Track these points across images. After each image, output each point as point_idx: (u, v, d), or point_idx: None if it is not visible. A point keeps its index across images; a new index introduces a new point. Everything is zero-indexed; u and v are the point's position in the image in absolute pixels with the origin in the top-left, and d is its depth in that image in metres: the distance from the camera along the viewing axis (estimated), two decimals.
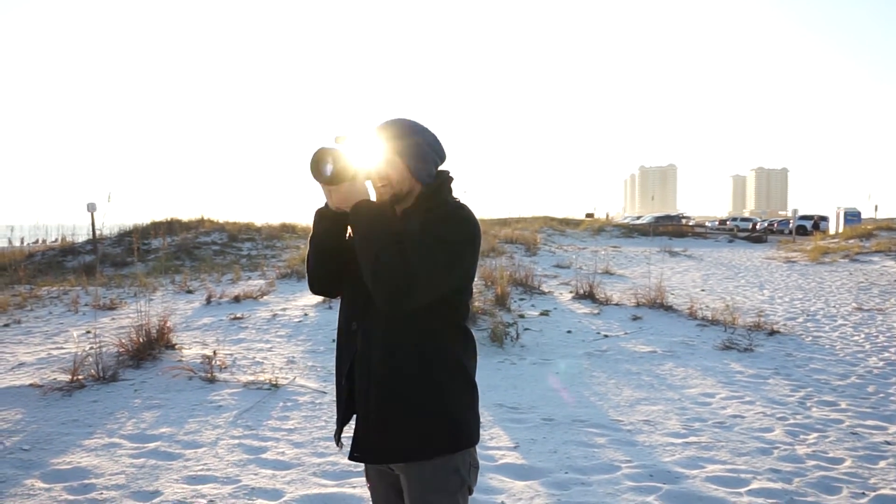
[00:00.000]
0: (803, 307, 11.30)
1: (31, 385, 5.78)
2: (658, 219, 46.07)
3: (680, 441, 4.75)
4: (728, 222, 60.98)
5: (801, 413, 5.43)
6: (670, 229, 37.44)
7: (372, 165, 1.99)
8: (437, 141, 2.10)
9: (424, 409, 1.95)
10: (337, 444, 2.14)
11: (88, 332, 8.19)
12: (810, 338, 8.50)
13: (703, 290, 13.61)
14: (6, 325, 8.93)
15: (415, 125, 2.06)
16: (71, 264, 17.64)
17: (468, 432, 2.03)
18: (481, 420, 4.94)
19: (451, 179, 2.11)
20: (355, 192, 1.93)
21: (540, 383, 6.29)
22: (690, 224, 47.89)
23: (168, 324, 7.08)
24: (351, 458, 2.01)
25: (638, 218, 54.33)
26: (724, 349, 7.62)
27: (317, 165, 1.88)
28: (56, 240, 25.56)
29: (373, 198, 2.02)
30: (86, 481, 3.93)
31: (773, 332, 8.49)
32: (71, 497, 3.72)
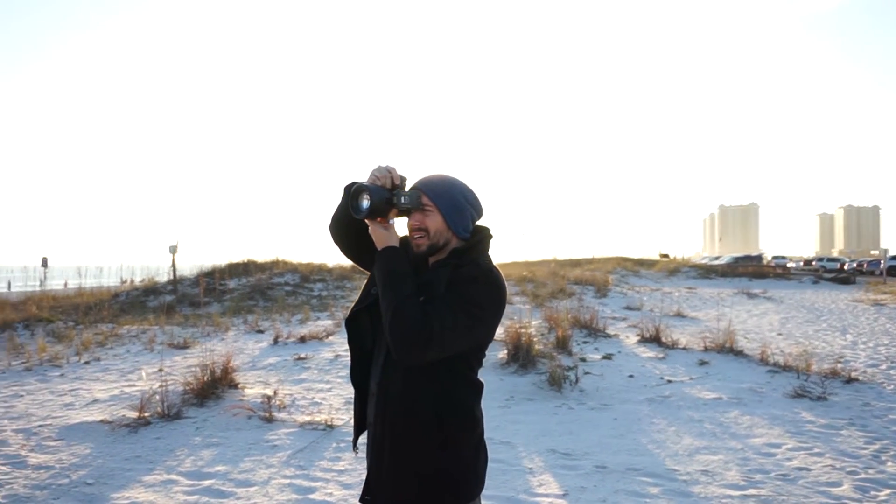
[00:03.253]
0: (888, 353, 10.68)
1: (101, 421, 6.06)
2: (737, 259, 44.68)
3: (738, 493, 4.56)
4: (814, 262, 58.47)
5: (875, 467, 5.12)
6: (750, 270, 36.28)
7: (410, 214, 2.07)
8: (476, 197, 2.16)
9: (438, 460, 2.00)
10: (354, 449, 2.30)
11: (160, 370, 8.53)
12: (892, 386, 8.02)
13: (779, 334, 13.08)
14: (86, 363, 9.38)
15: (454, 180, 2.13)
16: (152, 304, 18.42)
17: (476, 484, 2.07)
18: (532, 466, 4.89)
19: (489, 237, 2.15)
20: (386, 236, 2.02)
21: (597, 429, 6.15)
22: (788, 266, 46.09)
23: (231, 363, 7.30)
24: (362, 500, 2.08)
25: (716, 258, 52.80)
26: (795, 397, 7.28)
27: (355, 200, 1.97)
28: (143, 280, 26.89)
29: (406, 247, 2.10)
30: None
31: (850, 380, 8.05)
32: None
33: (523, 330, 8.69)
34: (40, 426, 6.02)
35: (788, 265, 48.28)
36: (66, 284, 34.62)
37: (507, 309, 14.16)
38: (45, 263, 28.79)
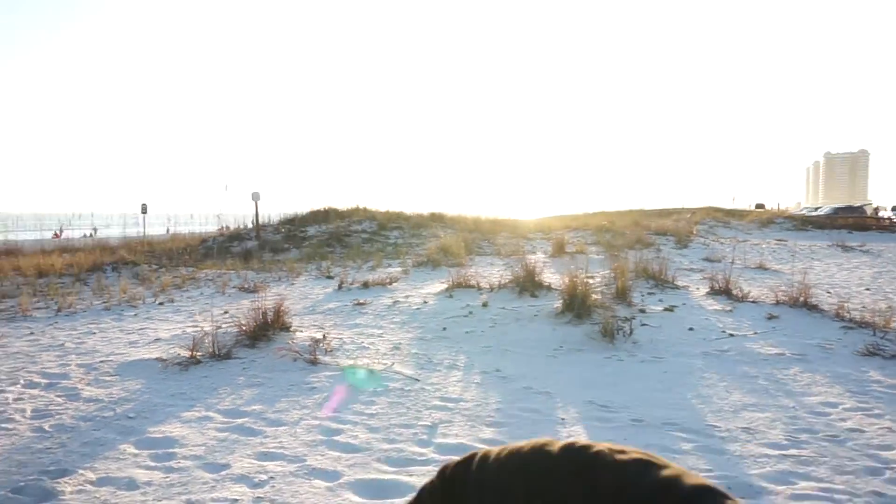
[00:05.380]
0: None
1: (156, 359, 6.36)
2: (837, 210, 42.09)
3: (776, 453, 4.32)
4: None
5: None
6: (850, 222, 34.18)
7: None
8: None
9: None
10: None
11: (225, 312, 8.85)
12: None
13: (867, 290, 12.27)
14: (161, 304, 9.85)
15: None
16: (236, 250, 19.11)
17: None
18: (565, 417, 4.62)
19: None
20: None
21: (641, 382, 5.97)
22: None
23: (283, 307, 7.47)
24: None
25: (816, 209, 49.98)
26: (866, 355, 6.82)
27: None
28: (236, 227, 27.92)
29: None
30: (170, 450, 4.25)
31: None
32: (152, 463, 4.05)
33: (577, 279, 8.47)
34: (101, 362, 6.37)
35: None
36: (168, 230, 36.43)
37: (577, 259, 13.87)
38: (144, 210, 30.25)
